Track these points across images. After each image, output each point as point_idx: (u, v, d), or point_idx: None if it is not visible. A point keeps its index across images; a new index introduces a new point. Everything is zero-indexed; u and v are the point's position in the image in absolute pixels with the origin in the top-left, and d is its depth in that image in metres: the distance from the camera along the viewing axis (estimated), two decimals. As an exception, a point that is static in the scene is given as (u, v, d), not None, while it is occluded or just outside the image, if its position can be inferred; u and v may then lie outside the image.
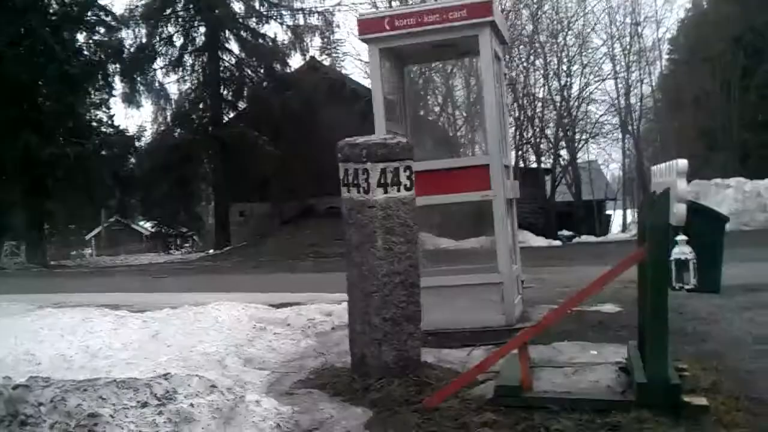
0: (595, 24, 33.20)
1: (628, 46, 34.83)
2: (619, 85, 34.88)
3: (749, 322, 6.51)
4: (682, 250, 4.01)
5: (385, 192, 5.03)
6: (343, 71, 29.57)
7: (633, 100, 35.77)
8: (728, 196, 22.28)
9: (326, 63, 29.12)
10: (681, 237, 4.02)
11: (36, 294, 11.37)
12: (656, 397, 4.16)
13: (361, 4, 27.82)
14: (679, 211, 4.00)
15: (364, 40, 6.78)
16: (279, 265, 17.44)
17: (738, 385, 4.66)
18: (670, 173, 4.26)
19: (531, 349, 4.89)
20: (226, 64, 28.22)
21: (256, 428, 4.38)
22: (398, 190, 5.05)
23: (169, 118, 27.96)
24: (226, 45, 28.04)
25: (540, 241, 25.27)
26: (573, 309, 7.07)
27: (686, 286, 4.05)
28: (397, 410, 4.60)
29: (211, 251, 27.94)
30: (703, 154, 32.84)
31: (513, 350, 4.67)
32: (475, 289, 6.58)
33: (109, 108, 28.80)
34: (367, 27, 6.72)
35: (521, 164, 29.49)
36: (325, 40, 28.29)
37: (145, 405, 4.36)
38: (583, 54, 32.49)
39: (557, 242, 25.37)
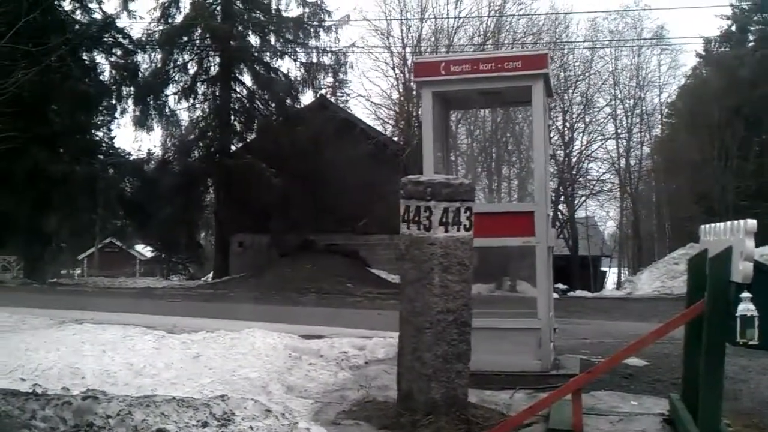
0: (601, 85, 33.96)
1: (630, 109, 35.56)
2: (620, 146, 35.52)
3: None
4: (748, 307, 4.13)
5: (446, 231, 5.12)
6: (353, 112, 29.88)
7: (632, 161, 36.44)
8: (725, 261, 22.66)
9: (336, 102, 29.39)
10: (746, 294, 4.14)
11: (49, 309, 11.33)
12: (709, 449, 4.25)
13: (375, 47, 28.22)
14: (745, 268, 4.12)
15: (418, 83, 6.94)
16: (283, 298, 17.45)
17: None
18: (734, 232, 4.40)
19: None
20: (238, 95, 28.37)
21: (312, 455, 4.44)
22: (458, 230, 5.15)
23: (177, 145, 28.02)
24: (239, 77, 28.18)
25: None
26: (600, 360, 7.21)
27: (750, 342, 4.15)
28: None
29: (210, 279, 27.87)
30: (700, 219, 33.21)
31: (566, 396, 4.75)
32: (514, 333, 6.69)
33: (111, 129, 29.17)
34: (422, 70, 6.91)
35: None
36: (337, 79, 28.56)
37: (205, 425, 4.42)
38: (587, 113, 33.18)
39: (555, 295, 25.48)
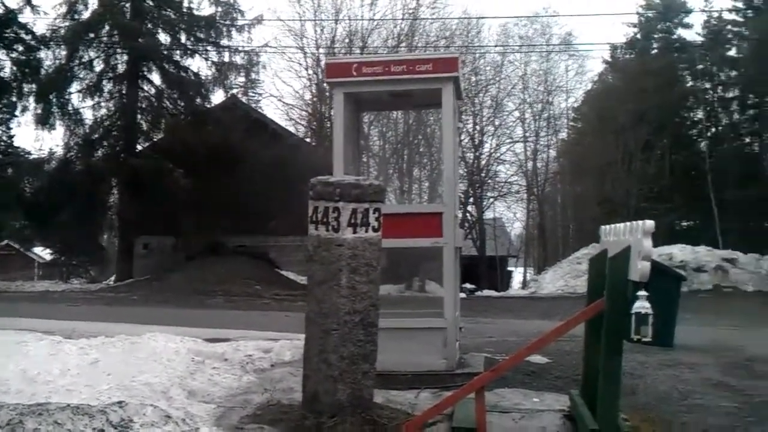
0: (510, 89, 34.71)
1: (538, 113, 36.51)
2: (528, 149, 36.43)
3: (672, 378, 6.89)
4: (643, 305, 4.26)
5: (354, 232, 5.10)
6: (264, 112, 29.54)
7: (539, 164, 37.44)
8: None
9: (248, 102, 29.01)
10: (642, 292, 4.27)
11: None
12: (607, 444, 4.36)
13: (288, 47, 28.00)
14: (643, 267, 4.25)
15: (330, 84, 6.89)
16: (190, 301, 17.08)
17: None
18: (632, 232, 4.53)
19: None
20: (146, 93, 27.65)
21: (212, 462, 4.34)
22: (366, 231, 5.14)
23: (80, 144, 27.06)
24: (147, 75, 27.48)
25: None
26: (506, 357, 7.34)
27: (644, 339, 4.28)
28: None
29: (112, 283, 27.02)
30: (602, 220, 34.36)
31: (470, 394, 4.79)
32: (419, 332, 6.72)
33: (10, 128, 27.95)
34: (334, 71, 6.88)
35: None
36: (249, 79, 28.20)
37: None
38: (497, 117, 33.88)
39: (462, 294, 25.90)
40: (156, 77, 27.71)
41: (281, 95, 31.05)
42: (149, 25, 27.46)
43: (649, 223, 4.33)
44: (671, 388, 6.44)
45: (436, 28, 29.94)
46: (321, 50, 27.02)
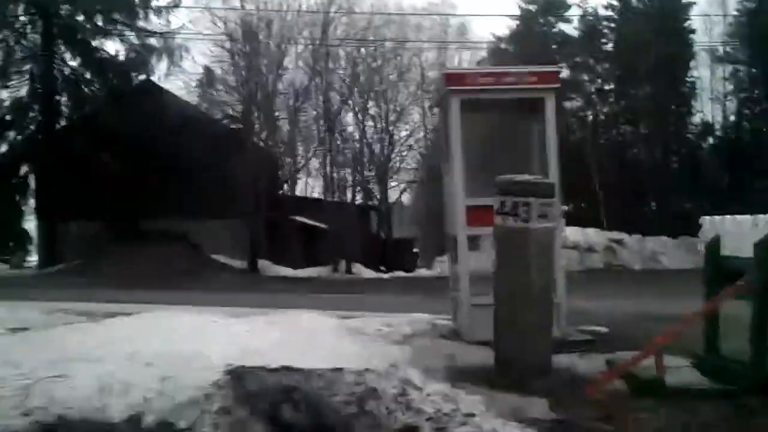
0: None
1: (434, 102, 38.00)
2: (428, 138, 37.89)
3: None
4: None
5: (540, 222, 6.18)
6: (186, 96, 29.31)
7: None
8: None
9: (167, 86, 28.73)
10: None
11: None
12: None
13: (207, 32, 27.89)
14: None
15: (449, 91, 7.82)
16: (162, 285, 17.04)
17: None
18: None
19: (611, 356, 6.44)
20: (64, 74, 26.96)
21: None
22: (546, 221, 6.23)
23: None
24: (64, 56, 26.92)
25: (370, 273, 27.27)
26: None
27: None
28: (562, 399, 5.68)
29: (36, 268, 26.22)
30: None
31: (653, 352, 5.94)
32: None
33: None
34: (452, 80, 7.88)
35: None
36: (171, 61, 27.91)
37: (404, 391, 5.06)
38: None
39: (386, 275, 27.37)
40: (72, 58, 27.07)
41: (204, 80, 30.86)
42: (66, 5, 26.68)
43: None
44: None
45: (354, 18, 30.73)
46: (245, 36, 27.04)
